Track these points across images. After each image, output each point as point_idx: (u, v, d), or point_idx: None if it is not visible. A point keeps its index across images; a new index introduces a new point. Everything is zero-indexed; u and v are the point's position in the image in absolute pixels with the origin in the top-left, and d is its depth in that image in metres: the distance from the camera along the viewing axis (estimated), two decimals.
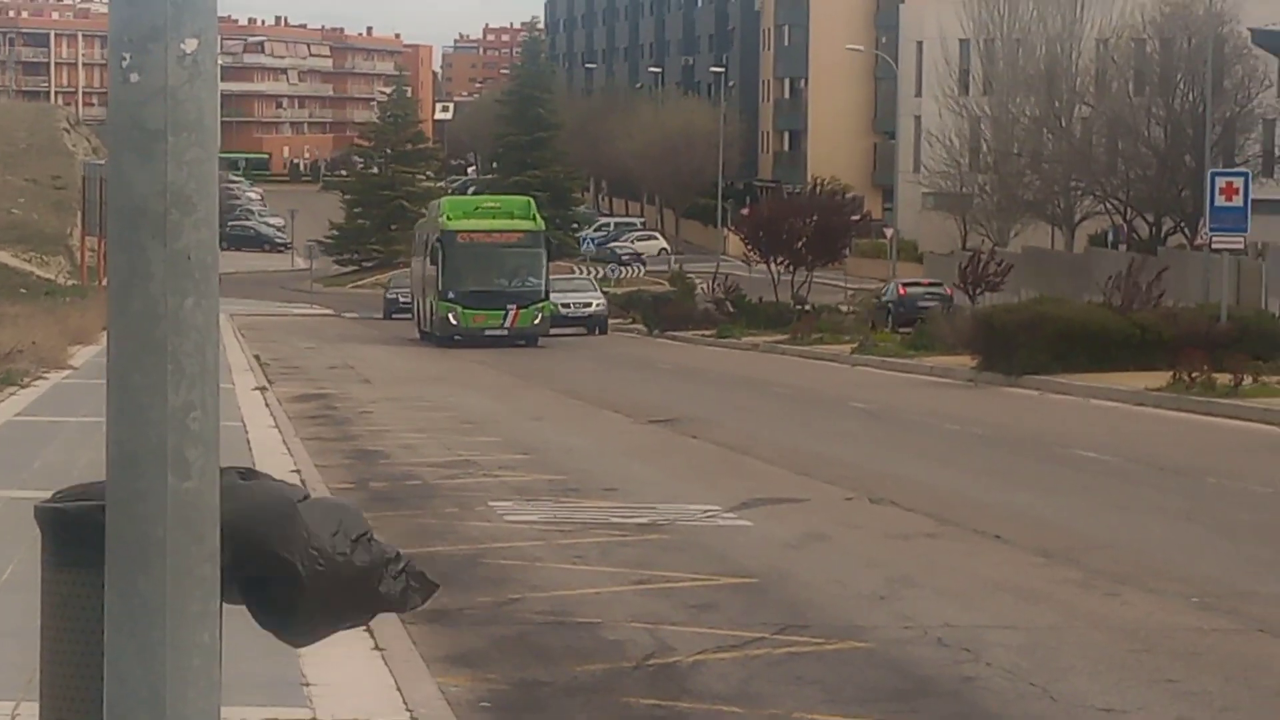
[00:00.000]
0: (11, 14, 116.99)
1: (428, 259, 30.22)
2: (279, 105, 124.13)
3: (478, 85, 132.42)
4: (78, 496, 2.27)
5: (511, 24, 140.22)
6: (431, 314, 29.29)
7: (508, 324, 28.07)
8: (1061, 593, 7.06)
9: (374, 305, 50.31)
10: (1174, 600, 6.81)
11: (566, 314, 28.43)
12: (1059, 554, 8.09)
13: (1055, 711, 4.92)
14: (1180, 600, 6.81)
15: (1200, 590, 7.00)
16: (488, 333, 27.95)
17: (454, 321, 27.92)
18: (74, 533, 2.24)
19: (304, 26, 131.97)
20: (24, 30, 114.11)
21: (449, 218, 29.45)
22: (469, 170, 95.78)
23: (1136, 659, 5.64)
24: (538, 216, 30.31)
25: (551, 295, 28.29)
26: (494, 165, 74.22)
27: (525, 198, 33.38)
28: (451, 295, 27.90)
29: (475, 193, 74.45)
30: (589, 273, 43.72)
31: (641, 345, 33.27)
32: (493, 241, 28.77)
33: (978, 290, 29.00)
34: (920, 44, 57.41)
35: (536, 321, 28.51)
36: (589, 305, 30.17)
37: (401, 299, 45.50)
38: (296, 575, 2.07)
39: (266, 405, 15.65)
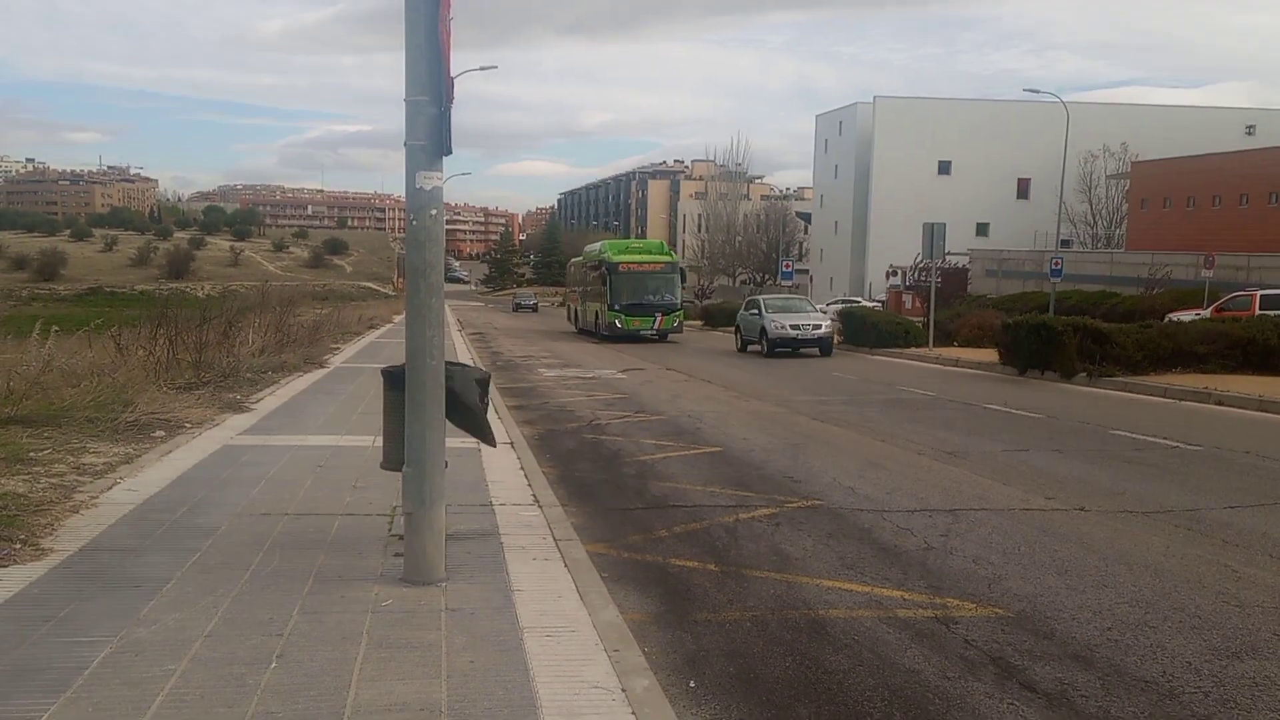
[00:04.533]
0: None
1: (591, 284, 41.67)
2: None
3: None
4: (395, 367, 6.35)
5: None
6: (597, 319, 39.68)
7: (656, 326, 37.86)
8: (730, 399, 18.05)
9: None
10: (771, 403, 17.90)
11: (797, 335, 29.90)
12: (736, 388, 19.29)
13: (726, 438, 14.72)
14: (774, 402, 17.88)
15: (781, 401, 18.14)
16: (642, 332, 37.78)
17: (619, 325, 37.50)
18: (394, 379, 6.41)
19: None
20: None
21: (613, 254, 39.08)
22: None
23: (759, 421, 16.28)
24: (672, 253, 41.75)
25: (772, 316, 30.91)
26: None
27: (658, 240, 48.94)
28: (618, 307, 37.76)
29: None
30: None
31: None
32: (644, 270, 38.58)
33: None
34: None
35: (675, 325, 38.41)
36: (819, 327, 30.38)
37: (523, 302, 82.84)
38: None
39: (461, 335, 34.32)
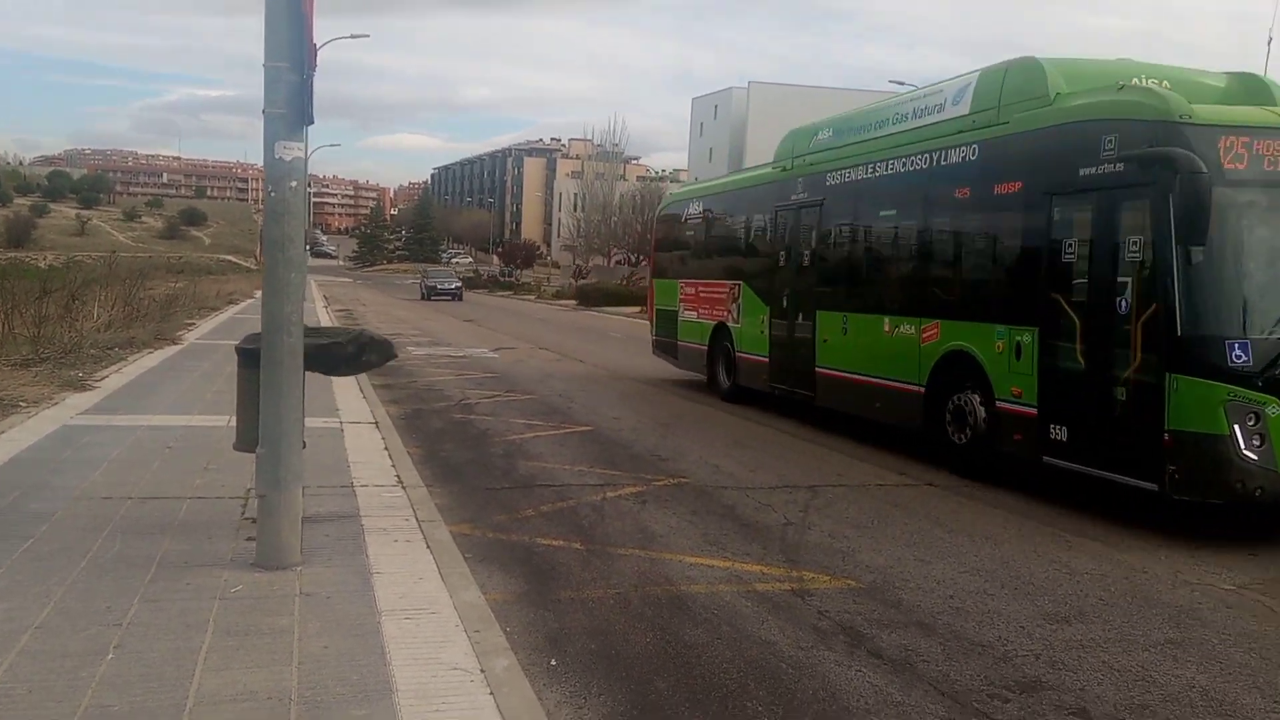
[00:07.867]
0: None
1: (969, 244, 10.66)
2: None
3: None
4: (251, 341, 6.36)
5: None
6: (1088, 369, 8.51)
7: None
8: (604, 379, 18.12)
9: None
10: (645, 383, 18.03)
11: None
12: (610, 367, 19.36)
13: (596, 417, 14.77)
14: (648, 383, 18.03)
15: (654, 382, 18.31)
16: None
17: (1261, 444, 7.45)
18: (248, 355, 6.27)
19: None
20: None
21: (1189, 115, 7.80)
22: None
23: (629, 401, 16.46)
24: None
25: None
26: None
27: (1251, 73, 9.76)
28: (1241, 358, 7.46)
29: None
30: None
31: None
32: None
33: None
34: None
35: None
36: None
37: (441, 285, 58.99)
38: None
39: (326, 311, 29.91)
